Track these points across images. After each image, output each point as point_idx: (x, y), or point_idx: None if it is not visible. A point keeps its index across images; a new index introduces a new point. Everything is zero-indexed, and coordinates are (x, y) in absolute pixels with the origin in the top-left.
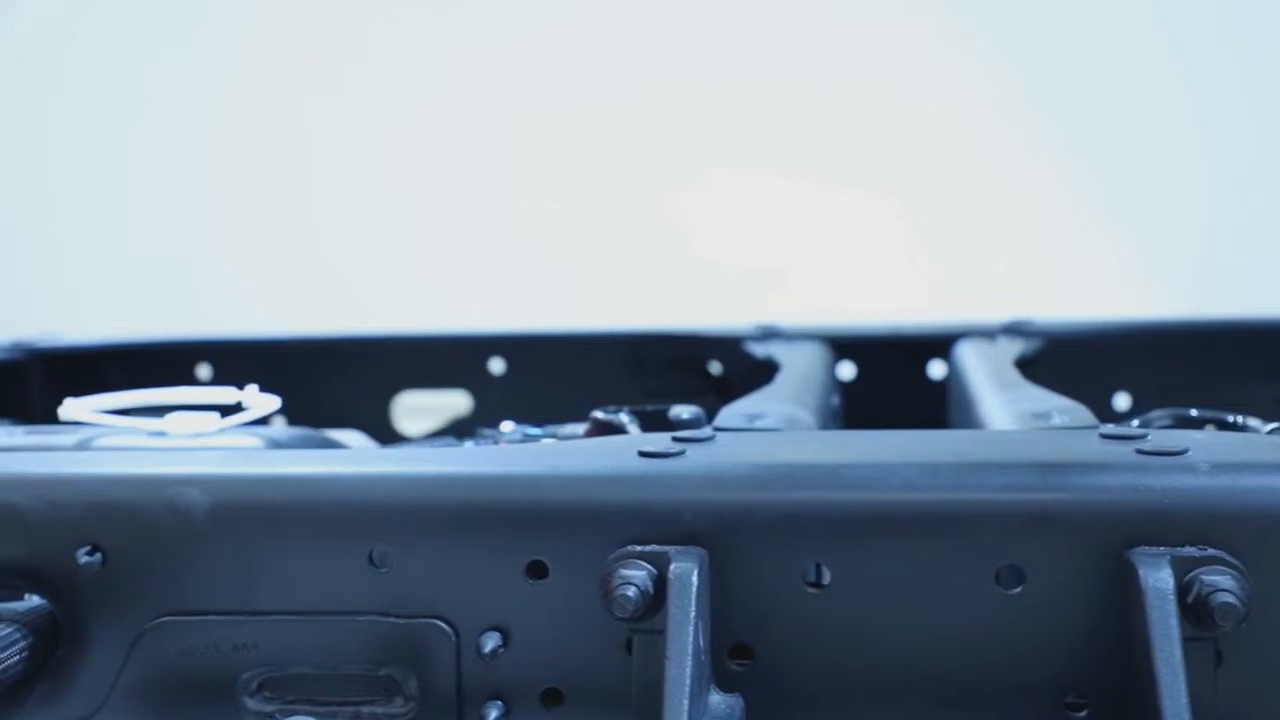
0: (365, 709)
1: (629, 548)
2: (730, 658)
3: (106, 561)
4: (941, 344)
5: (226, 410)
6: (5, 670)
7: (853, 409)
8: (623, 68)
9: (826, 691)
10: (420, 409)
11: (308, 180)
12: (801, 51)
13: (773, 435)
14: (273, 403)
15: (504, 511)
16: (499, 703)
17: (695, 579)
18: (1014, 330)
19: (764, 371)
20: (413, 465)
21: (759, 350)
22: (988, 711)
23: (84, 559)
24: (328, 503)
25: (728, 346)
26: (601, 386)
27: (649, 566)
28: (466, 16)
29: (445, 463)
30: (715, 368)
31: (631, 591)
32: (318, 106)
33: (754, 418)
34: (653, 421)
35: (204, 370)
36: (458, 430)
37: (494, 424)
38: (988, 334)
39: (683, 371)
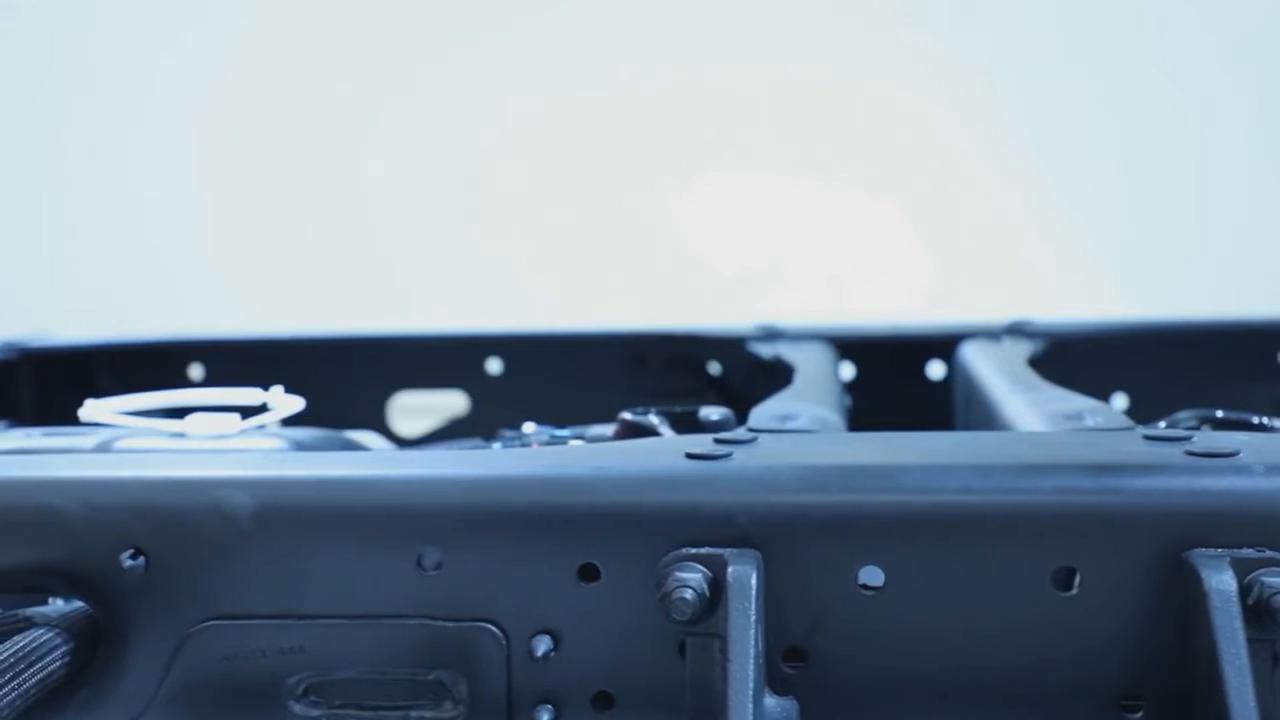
0: (414, 713)
1: (684, 550)
2: (784, 661)
3: (150, 565)
4: (942, 345)
5: (247, 411)
6: (47, 676)
7: (852, 409)
8: (619, 67)
9: (880, 694)
10: (416, 409)
11: (298, 181)
12: (799, 51)
13: (814, 437)
14: (297, 404)
15: (556, 514)
16: (549, 706)
17: (754, 581)
18: (1016, 331)
19: (767, 372)
20: (462, 467)
21: (764, 351)
22: (1042, 713)
23: (127, 563)
24: (376, 505)
25: (729, 347)
26: (600, 387)
27: (703, 569)
28: (462, 15)
29: (495, 465)
30: (714, 368)
31: (689, 594)
32: (309, 106)
33: (785, 419)
34: (682, 423)
35: (196, 370)
36: (457, 430)
37: (493, 425)
38: (991, 335)
39: (682, 371)
